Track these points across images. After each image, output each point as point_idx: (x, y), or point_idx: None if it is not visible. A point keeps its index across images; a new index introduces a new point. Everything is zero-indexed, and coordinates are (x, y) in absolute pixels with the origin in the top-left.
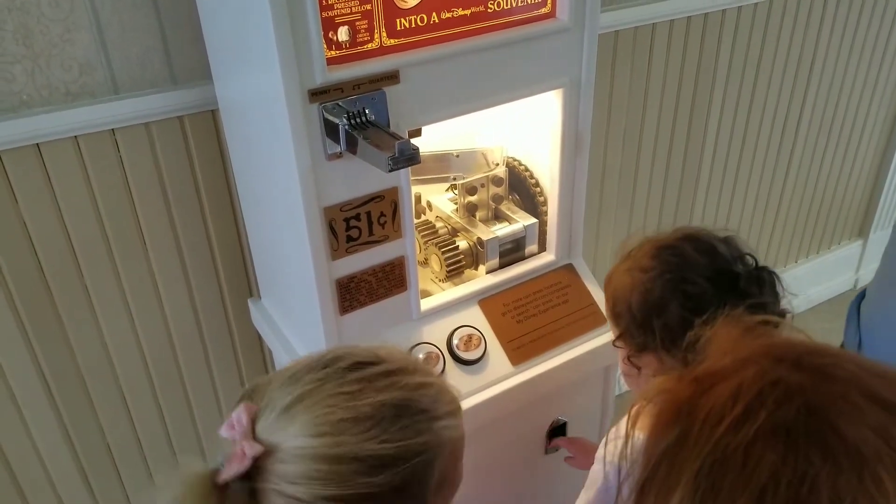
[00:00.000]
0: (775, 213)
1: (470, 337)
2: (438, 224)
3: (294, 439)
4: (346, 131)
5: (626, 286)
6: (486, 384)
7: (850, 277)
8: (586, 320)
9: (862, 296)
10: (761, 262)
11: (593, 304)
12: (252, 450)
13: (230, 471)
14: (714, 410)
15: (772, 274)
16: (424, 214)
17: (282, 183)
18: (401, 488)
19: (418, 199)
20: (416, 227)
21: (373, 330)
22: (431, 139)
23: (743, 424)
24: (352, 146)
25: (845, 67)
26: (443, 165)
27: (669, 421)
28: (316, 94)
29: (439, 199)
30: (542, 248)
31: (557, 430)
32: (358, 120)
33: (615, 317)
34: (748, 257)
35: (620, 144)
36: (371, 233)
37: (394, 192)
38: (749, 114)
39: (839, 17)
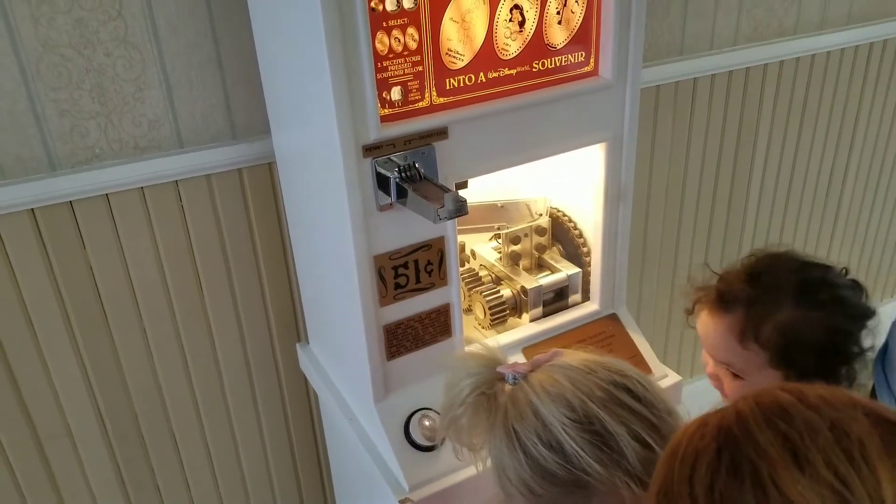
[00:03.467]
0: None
1: None
2: (482, 272)
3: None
4: (397, 184)
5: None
6: None
7: None
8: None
9: (883, 352)
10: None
11: (638, 353)
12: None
13: (510, 369)
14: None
15: None
16: (469, 263)
17: (335, 232)
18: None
19: (462, 248)
20: (461, 276)
21: (419, 375)
22: (477, 190)
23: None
24: (402, 198)
25: (892, 118)
26: (488, 215)
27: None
28: (369, 150)
29: (483, 248)
30: (586, 297)
31: None
32: (408, 173)
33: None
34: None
35: (663, 196)
36: (418, 280)
37: (440, 241)
38: (793, 168)
39: (884, 70)
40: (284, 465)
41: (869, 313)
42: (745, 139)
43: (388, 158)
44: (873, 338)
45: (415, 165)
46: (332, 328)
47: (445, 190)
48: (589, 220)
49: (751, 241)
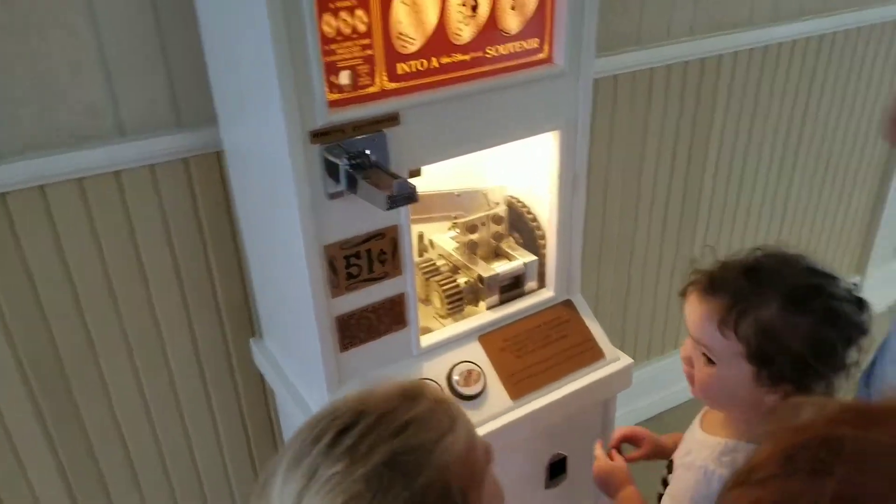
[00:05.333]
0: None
1: (469, 372)
2: (440, 262)
3: None
4: (347, 171)
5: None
6: (486, 418)
7: None
8: (584, 355)
9: (869, 369)
10: None
11: (591, 339)
12: None
13: None
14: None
15: None
16: (427, 252)
17: (284, 221)
18: None
19: (420, 237)
20: (418, 265)
21: (373, 366)
22: (434, 179)
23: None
24: (352, 186)
25: (840, 108)
26: (444, 204)
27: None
28: (317, 136)
29: (441, 238)
30: (542, 284)
31: (557, 464)
32: (358, 161)
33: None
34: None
35: (620, 184)
36: (371, 270)
37: (394, 230)
38: (746, 154)
39: (833, 60)
40: (242, 464)
41: (862, 330)
42: (700, 127)
43: (338, 145)
44: (860, 355)
45: (365, 152)
46: (285, 320)
47: (395, 177)
48: (545, 209)
49: (705, 228)
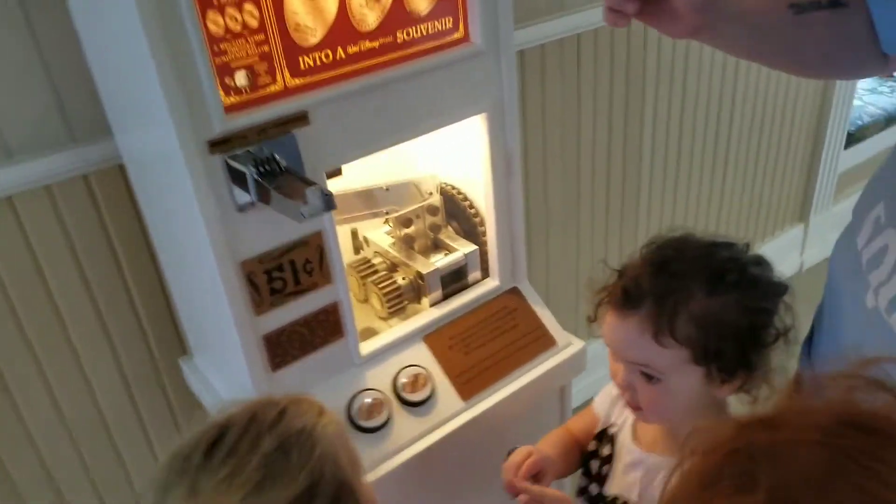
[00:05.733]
0: (718, 207)
1: (416, 377)
2: (376, 260)
3: None
4: (255, 180)
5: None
6: (437, 423)
7: (796, 260)
8: (536, 343)
9: (808, 340)
10: None
11: (541, 326)
12: None
13: None
14: None
15: None
16: (363, 250)
17: (193, 239)
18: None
19: (355, 234)
20: (353, 266)
21: (312, 382)
22: (359, 174)
23: None
24: (263, 196)
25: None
26: (372, 201)
27: None
28: (216, 144)
29: (376, 234)
30: (486, 273)
31: None
32: (268, 167)
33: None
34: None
35: (560, 160)
36: (298, 282)
37: (318, 237)
38: (682, 112)
39: None
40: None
41: (782, 289)
42: (633, 90)
43: (247, 151)
44: (793, 317)
45: (274, 157)
46: (212, 340)
47: (309, 183)
48: (481, 195)
49: (648, 192)
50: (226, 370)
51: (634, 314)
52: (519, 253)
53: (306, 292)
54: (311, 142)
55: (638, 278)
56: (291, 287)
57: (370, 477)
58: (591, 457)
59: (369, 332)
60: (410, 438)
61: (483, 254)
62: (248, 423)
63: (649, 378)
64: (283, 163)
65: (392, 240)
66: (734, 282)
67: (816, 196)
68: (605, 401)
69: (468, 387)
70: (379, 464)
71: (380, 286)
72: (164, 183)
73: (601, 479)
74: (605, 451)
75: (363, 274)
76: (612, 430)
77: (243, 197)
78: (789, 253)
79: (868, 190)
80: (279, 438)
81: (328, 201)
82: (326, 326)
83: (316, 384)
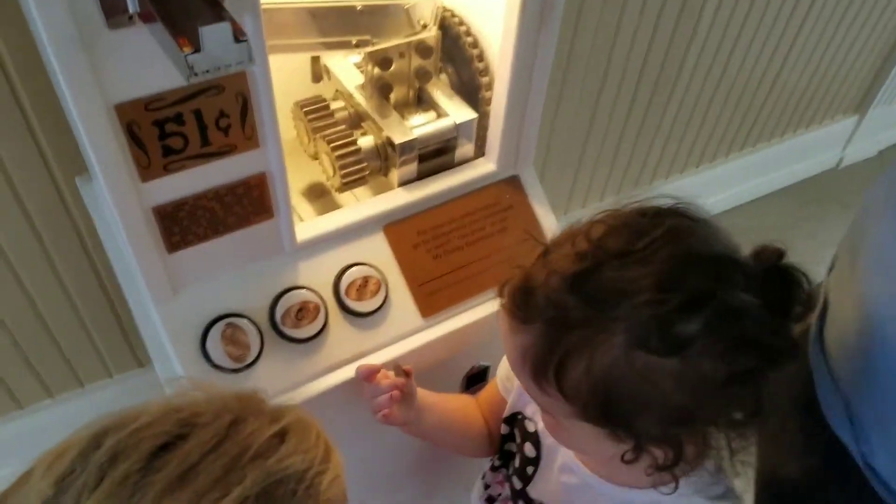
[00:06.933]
0: (772, 82)
1: (366, 280)
2: (336, 105)
3: None
4: None
5: None
6: (385, 342)
7: (836, 155)
8: (529, 255)
9: (820, 326)
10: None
11: (541, 234)
12: None
13: None
14: None
15: None
16: (323, 80)
17: (52, 65)
18: None
19: (316, 60)
20: (305, 105)
21: (226, 267)
22: None
23: None
24: (145, 11)
25: None
26: (341, 23)
27: None
28: None
29: (342, 65)
30: (480, 152)
31: (477, 376)
32: None
33: None
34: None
35: (593, 28)
36: (206, 142)
37: (239, 80)
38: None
39: None
40: (100, 311)
41: (784, 350)
42: None
43: None
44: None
45: None
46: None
47: (216, 12)
48: (496, 40)
49: (694, 63)
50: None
51: (522, 331)
52: (531, 130)
53: (219, 156)
54: None
55: (547, 283)
56: (196, 148)
57: (296, 396)
58: (506, 440)
59: (315, 196)
60: (349, 357)
61: (482, 125)
62: (225, 431)
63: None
64: None
65: (362, 79)
66: (690, 338)
67: (884, 87)
68: (507, 377)
69: (431, 301)
70: (305, 383)
71: (333, 146)
72: None
73: (525, 478)
74: (529, 450)
75: (313, 119)
76: (529, 426)
77: (119, 6)
78: (832, 146)
79: None
80: (267, 479)
81: (241, 52)
82: (247, 203)
83: (232, 274)
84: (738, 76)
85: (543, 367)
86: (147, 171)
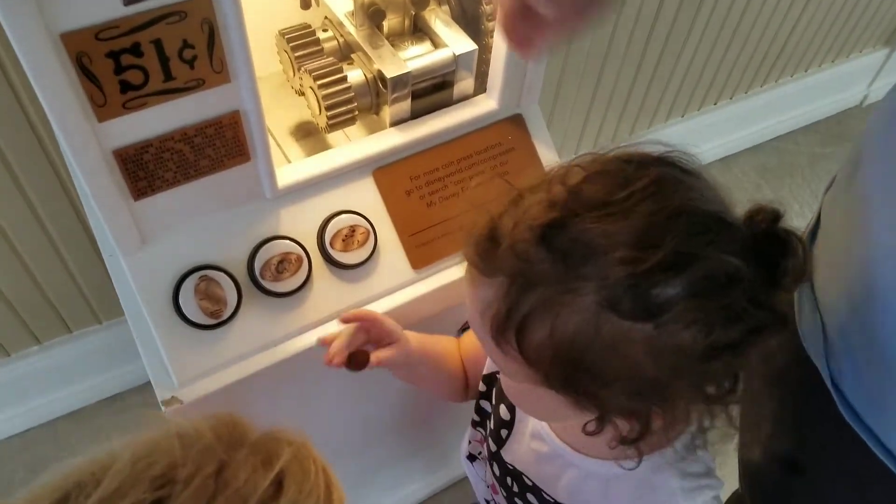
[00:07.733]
0: (800, 11)
1: (353, 230)
2: (324, 34)
3: None
4: None
5: None
6: (373, 296)
7: (860, 91)
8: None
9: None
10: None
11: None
12: None
13: None
14: None
15: None
16: (311, 9)
17: None
18: None
19: None
20: (289, 34)
21: (196, 219)
22: None
23: None
24: None
25: None
26: None
27: None
28: None
29: None
30: (482, 88)
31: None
32: None
33: None
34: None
35: None
36: (169, 76)
37: (204, 5)
38: None
39: None
40: (85, 256)
41: (770, 323)
42: None
43: None
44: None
45: None
46: None
47: None
48: None
49: (705, 21)
50: None
51: (483, 284)
52: (537, 65)
53: (184, 92)
54: None
55: (514, 233)
56: (158, 83)
57: (277, 353)
58: (483, 397)
59: (302, 133)
60: (333, 312)
61: (483, 59)
62: (213, 486)
63: None
64: None
65: (352, 6)
66: (667, 302)
67: None
68: None
69: (423, 252)
70: (286, 340)
71: (319, 82)
72: None
73: (499, 441)
74: (504, 412)
75: (298, 50)
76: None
77: None
78: (857, 81)
79: None
80: None
81: None
82: (220, 145)
83: (206, 224)
84: (763, 5)
85: (504, 327)
86: (103, 109)
